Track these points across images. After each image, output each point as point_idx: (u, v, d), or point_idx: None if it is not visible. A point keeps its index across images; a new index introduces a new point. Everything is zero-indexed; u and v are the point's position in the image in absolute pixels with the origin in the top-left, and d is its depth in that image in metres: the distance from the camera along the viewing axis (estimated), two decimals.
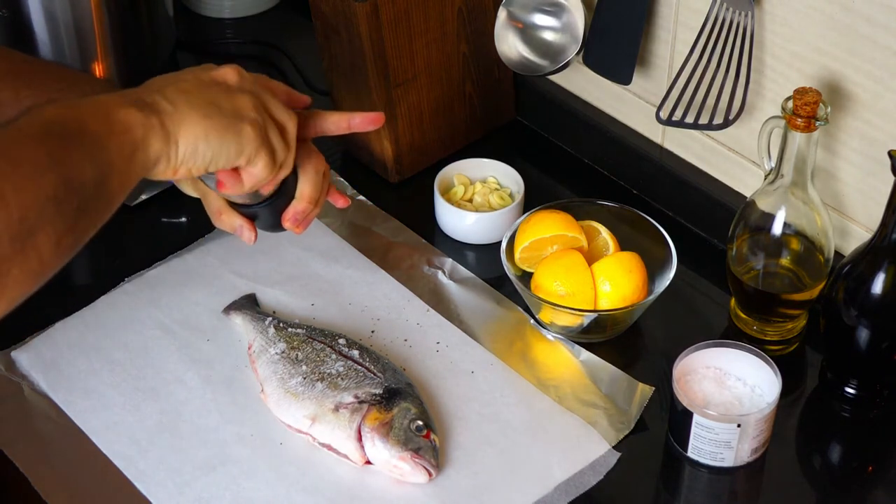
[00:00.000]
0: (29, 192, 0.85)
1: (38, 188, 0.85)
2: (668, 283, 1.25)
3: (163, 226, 1.43)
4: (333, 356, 1.20)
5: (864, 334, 1.17)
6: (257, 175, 1.03)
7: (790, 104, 1.14)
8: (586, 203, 1.34)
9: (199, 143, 0.97)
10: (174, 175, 0.98)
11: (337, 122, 1.14)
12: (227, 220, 1.12)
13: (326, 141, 1.53)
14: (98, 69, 1.50)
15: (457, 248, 1.38)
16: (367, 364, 1.20)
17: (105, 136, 0.91)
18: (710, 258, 1.35)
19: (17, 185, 0.84)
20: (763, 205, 1.22)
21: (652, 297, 1.25)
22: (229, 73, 1.03)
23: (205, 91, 0.99)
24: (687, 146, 1.40)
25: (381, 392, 1.16)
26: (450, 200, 1.39)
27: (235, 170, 1.02)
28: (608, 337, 1.28)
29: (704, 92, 1.27)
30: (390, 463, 1.13)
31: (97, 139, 0.90)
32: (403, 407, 1.15)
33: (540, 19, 1.40)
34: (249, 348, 1.24)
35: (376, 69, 1.38)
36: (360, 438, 1.14)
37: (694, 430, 1.14)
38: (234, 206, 1.10)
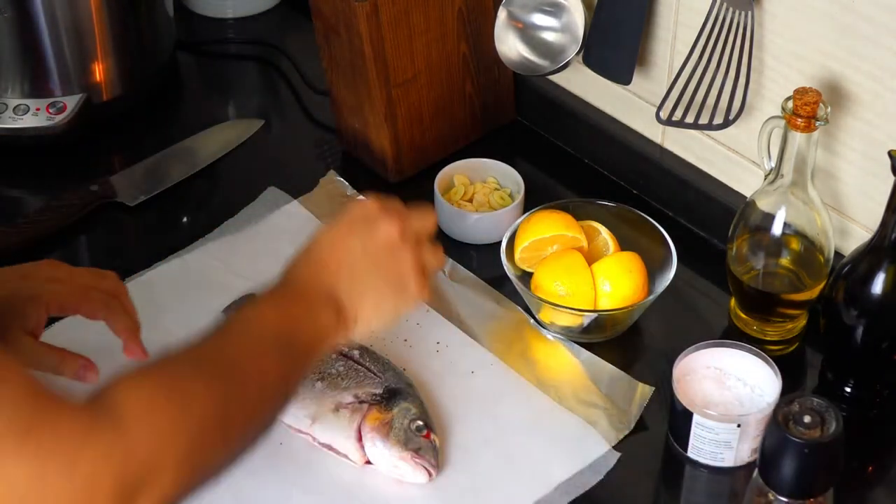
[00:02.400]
0: (264, 397, 0.95)
1: (270, 393, 0.96)
2: (668, 283, 1.25)
3: (163, 226, 1.43)
4: (333, 356, 1.20)
5: (864, 334, 1.16)
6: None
7: (790, 104, 1.14)
8: (586, 203, 1.34)
9: (371, 316, 1.05)
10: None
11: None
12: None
13: (327, 139, 1.54)
14: (98, 69, 1.50)
15: (457, 248, 1.38)
16: (367, 364, 1.20)
17: (312, 336, 1.01)
18: (710, 258, 1.35)
19: (258, 396, 0.94)
20: (763, 205, 1.22)
21: (652, 297, 1.25)
22: (393, 232, 1.08)
23: (374, 264, 1.06)
24: (687, 146, 1.40)
25: (381, 392, 1.17)
26: (450, 200, 1.39)
27: None
28: (608, 337, 1.28)
29: (704, 92, 1.27)
30: (390, 463, 1.13)
31: (306, 343, 1.00)
32: (403, 407, 1.15)
33: (540, 19, 1.40)
34: None
35: (376, 69, 1.38)
36: (360, 438, 1.14)
37: (694, 430, 1.14)
38: None
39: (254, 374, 0.94)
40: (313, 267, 1.06)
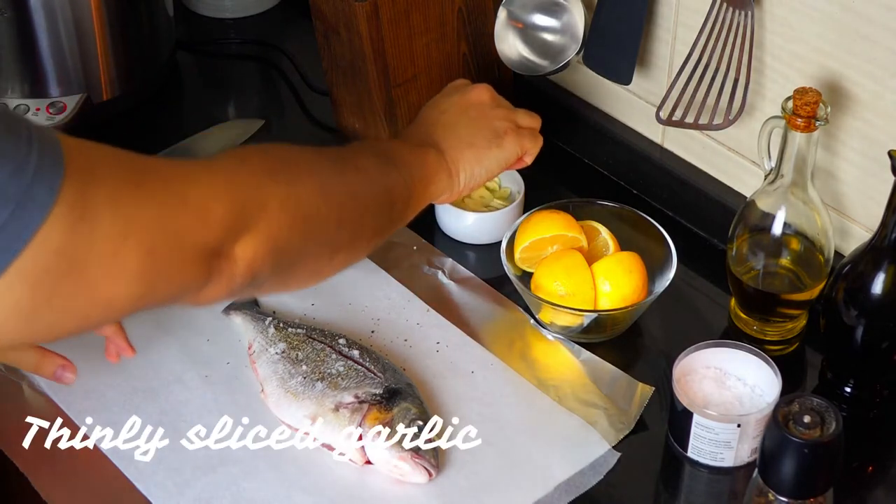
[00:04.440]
0: (369, 193, 1.06)
1: (374, 191, 1.07)
2: (668, 283, 1.25)
3: None
4: (333, 356, 1.20)
5: (864, 334, 1.16)
6: (532, 156, 1.25)
7: (790, 104, 1.14)
8: (586, 203, 1.34)
9: (474, 168, 1.19)
10: (459, 197, 1.21)
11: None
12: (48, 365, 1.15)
13: (327, 139, 1.54)
14: (98, 69, 1.50)
15: (457, 248, 1.38)
16: (367, 364, 1.20)
17: (414, 166, 1.13)
18: (710, 258, 1.35)
19: (362, 187, 1.05)
20: (763, 205, 1.22)
21: (652, 297, 1.25)
22: (483, 95, 1.23)
23: (465, 118, 1.20)
24: (687, 146, 1.40)
25: (381, 392, 1.16)
26: None
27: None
28: (608, 337, 1.28)
29: (704, 92, 1.27)
30: (390, 463, 1.13)
31: (409, 168, 1.12)
32: (403, 407, 1.15)
33: (540, 19, 1.40)
34: (249, 348, 1.24)
35: (376, 69, 1.38)
36: (360, 438, 1.14)
37: (694, 430, 1.14)
38: None
39: (358, 170, 1.06)
40: (414, 126, 1.22)
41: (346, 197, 1.02)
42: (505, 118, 1.22)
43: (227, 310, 1.29)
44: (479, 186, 1.21)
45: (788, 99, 1.15)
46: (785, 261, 1.24)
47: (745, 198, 1.27)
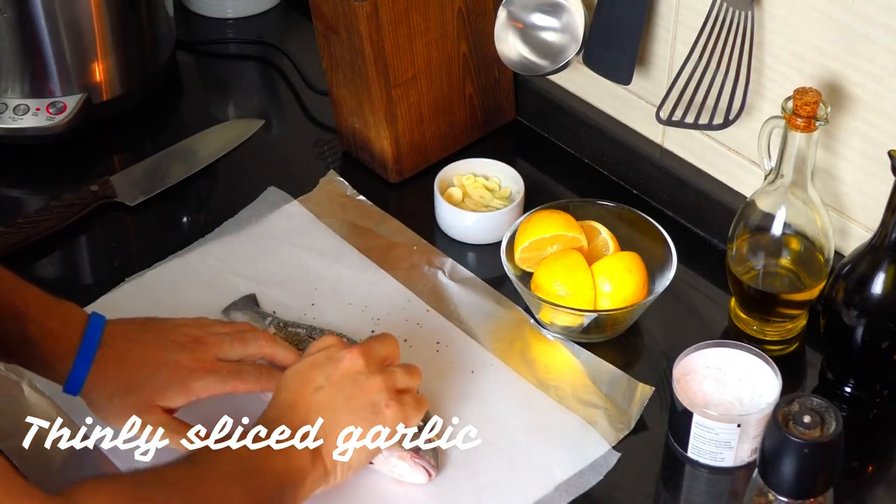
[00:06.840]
0: None
1: None
2: (668, 283, 1.25)
3: (163, 226, 1.43)
4: None
5: (864, 334, 1.16)
6: (408, 429, 1.11)
7: (790, 104, 1.14)
8: (586, 203, 1.34)
9: (353, 456, 1.07)
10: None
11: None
12: None
13: (327, 139, 1.54)
14: (98, 69, 1.50)
15: (457, 248, 1.38)
16: None
17: (281, 473, 1.03)
18: (710, 258, 1.35)
19: None
20: (763, 205, 1.22)
21: (652, 297, 1.25)
22: (356, 362, 1.09)
23: (341, 396, 1.07)
24: (687, 146, 1.40)
25: None
26: (450, 200, 1.39)
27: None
28: (608, 337, 1.28)
29: (704, 92, 1.27)
30: (390, 463, 1.13)
31: (276, 477, 1.02)
32: None
33: (540, 19, 1.40)
34: None
35: (376, 69, 1.38)
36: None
37: (694, 430, 1.14)
38: None
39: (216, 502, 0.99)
40: (281, 408, 1.08)
41: None
42: (383, 387, 1.09)
43: (228, 310, 1.29)
44: (357, 470, 1.10)
45: (788, 99, 1.15)
46: (785, 261, 1.24)
47: (745, 198, 1.27)
